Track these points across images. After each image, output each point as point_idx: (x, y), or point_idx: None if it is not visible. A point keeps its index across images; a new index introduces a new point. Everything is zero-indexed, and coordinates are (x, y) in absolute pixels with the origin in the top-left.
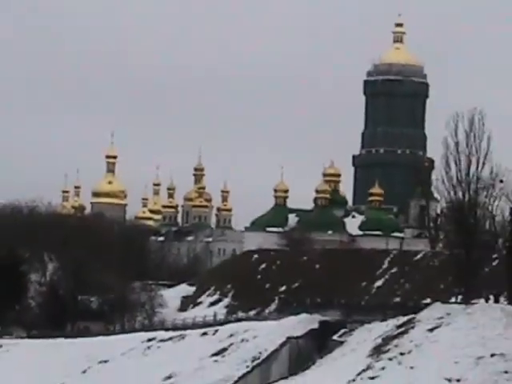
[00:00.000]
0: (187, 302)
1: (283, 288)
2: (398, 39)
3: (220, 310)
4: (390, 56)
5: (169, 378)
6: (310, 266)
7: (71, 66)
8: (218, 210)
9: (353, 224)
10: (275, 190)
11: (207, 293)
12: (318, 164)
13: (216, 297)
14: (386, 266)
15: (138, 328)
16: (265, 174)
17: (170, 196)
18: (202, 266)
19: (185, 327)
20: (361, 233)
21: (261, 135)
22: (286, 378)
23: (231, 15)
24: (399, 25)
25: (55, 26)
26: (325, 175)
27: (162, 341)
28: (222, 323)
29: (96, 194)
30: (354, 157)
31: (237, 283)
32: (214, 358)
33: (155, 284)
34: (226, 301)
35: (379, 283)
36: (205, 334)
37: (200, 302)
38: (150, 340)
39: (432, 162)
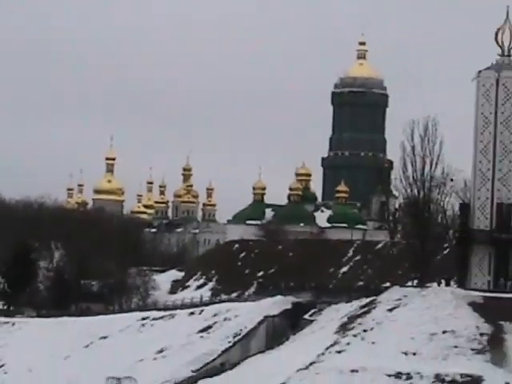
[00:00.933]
0: (177, 286)
1: (261, 273)
2: (362, 56)
3: (205, 292)
4: (354, 71)
5: (161, 351)
6: (284, 254)
7: (75, 79)
8: (204, 205)
9: (322, 217)
10: (254, 188)
11: (194, 277)
12: (291, 165)
13: (202, 281)
14: (350, 254)
15: (134, 308)
16: (245, 174)
17: (162, 193)
18: (190, 254)
19: (175, 307)
20: (329, 225)
21: (241, 140)
22: (263, 351)
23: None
24: (362, 43)
25: (57, 36)
26: (297, 175)
27: (154, 319)
28: (207, 304)
29: (97, 191)
30: (322, 159)
31: (220, 269)
32: (201, 334)
33: (149, 270)
34: (211, 284)
35: (345, 269)
36: (192, 313)
37: (188, 286)
38: (144, 319)
39: (391, 163)
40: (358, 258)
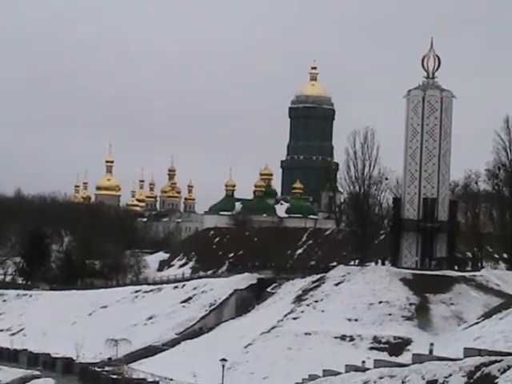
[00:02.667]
0: (163, 265)
1: (231, 254)
2: (313, 78)
3: (187, 270)
4: (308, 90)
5: (150, 318)
6: (250, 239)
7: (85, 101)
8: (186, 199)
9: (281, 209)
10: (226, 185)
11: (177, 258)
12: (256, 166)
13: (184, 261)
14: (304, 239)
15: (128, 283)
16: (218, 174)
17: (151, 189)
18: (174, 239)
19: (162, 282)
20: (287, 215)
21: (216, 147)
22: (233, 318)
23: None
24: (314, 68)
25: (70, 66)
26: (261, 174)
27: (145, 292)
28: (188, 280)
29: (98, 188)
30: (281, 161)
31: (198, 251)
32: (183, 304)
33: (141, 251)
34: (191, 264)
35: (300, 251)
36: (176, 287)
37: (172, 265)
38: (137, 291)
39: (337, 165)
40: (310, 242)
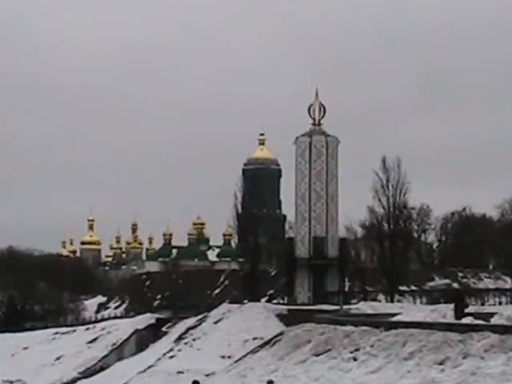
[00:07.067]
0: (101, 307)
1: (159, 296)
2: (262, 143)
3: (120, 311)
4: (257, 153)
5: (58, 358)
6: (176, 282)
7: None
8: (147, 249)
9: (213, 254)
10: (164, 234)
11: (113, 301)
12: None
13: (118, 303)
14: (222, 279)
15: (64, 324)
16: (158, 226)
17: (118, 241)
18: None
19: (77, 324)
20: (217, 259)
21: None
22: (134, 354)
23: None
24: (262, 134)
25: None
26: (194, 224)
27: (63, 333)
28: (99, 321)
29: (82, 243)
30: (237, 214)
31: (131, 294)
32: (89, 344)
33: (84, 296)
34: (124, 305)
35: (217, 291)
36: (88, 328)
37: (109, 307)
38: (56, 333)
39: (285, 216)
40: (226, 282)
